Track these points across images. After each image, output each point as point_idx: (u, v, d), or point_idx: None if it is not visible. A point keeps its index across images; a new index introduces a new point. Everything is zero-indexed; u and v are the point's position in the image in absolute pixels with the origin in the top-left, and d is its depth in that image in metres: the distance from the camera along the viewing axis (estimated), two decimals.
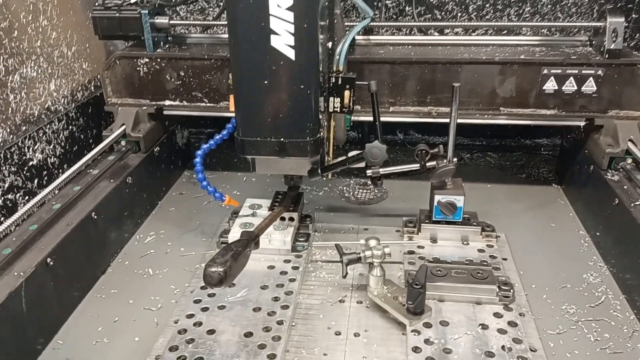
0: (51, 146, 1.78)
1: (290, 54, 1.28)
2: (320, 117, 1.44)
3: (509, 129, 2.28)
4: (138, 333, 1.34)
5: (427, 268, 1.34)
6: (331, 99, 1.48)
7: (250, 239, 1.24)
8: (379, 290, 1.38)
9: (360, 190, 2.01)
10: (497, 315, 1.33)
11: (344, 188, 2.03)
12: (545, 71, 1.70)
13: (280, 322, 1.31)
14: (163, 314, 1.39)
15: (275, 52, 1.28)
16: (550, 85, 1.71)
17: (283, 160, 1.47)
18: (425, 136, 2.37)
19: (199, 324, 1.31)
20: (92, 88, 2.02)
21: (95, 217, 1.52)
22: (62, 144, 1.84)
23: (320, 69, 1.39)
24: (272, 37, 1.27)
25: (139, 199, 1.79)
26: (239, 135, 1.40)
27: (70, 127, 1.88)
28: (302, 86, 1.32)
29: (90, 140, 2.00)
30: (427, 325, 1.30)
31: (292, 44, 1.27)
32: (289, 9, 1.23)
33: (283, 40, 1.27)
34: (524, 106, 1.75)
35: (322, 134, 1.43)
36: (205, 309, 1.36)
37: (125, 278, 1.55)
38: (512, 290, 1.37)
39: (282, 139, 1.38)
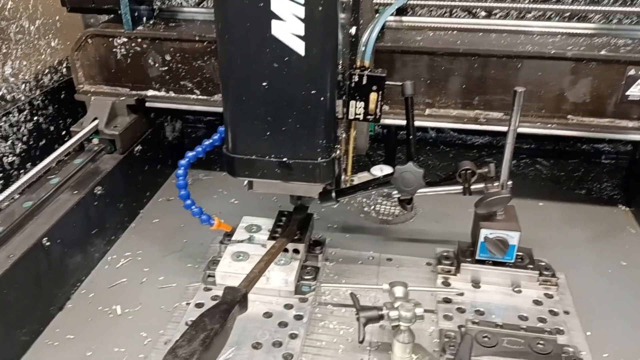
0: (8, 143, 1.46)
1: (299, 47, 0.93)
2: (338, 127, 1.09)
3: None
4: None
5: (472, 341, 1.01)
6: (352, 102, 1.14)
7: (235, 302, 0.91)
8: None
9: (384, 204, 1.66)
10: None
11: (364, 200, 1.68)
12: (632, 72, 1.31)
13: None
14: None
15: (278, 44, 0.93)
16: (637, 90, 1.33)
17: None
18: (462, 135, 2.00)
19: None
20: (64, 70, 1.67)
21: (48, 243, 1.20)
22: (24, 139, 1.52)
23: (340, 65, 1.03)
24: (274, 23, 0.91)
25: (112, 211, 1.46)
26: (227, 150, 1.06)
27: (35, 118, 1.55)
28: (313, 91, 0.97)
29: (64, 132, 1.66)
30: None
31: (302, 33, 0.92)
32: None
33: (289, 28, 0.91)
34: (599, 115, 1.37)
35: (338, 152, 1.08)
36: None
37: (87, 318, 1.24)
38: None
39: (284, 159, 1.04)
